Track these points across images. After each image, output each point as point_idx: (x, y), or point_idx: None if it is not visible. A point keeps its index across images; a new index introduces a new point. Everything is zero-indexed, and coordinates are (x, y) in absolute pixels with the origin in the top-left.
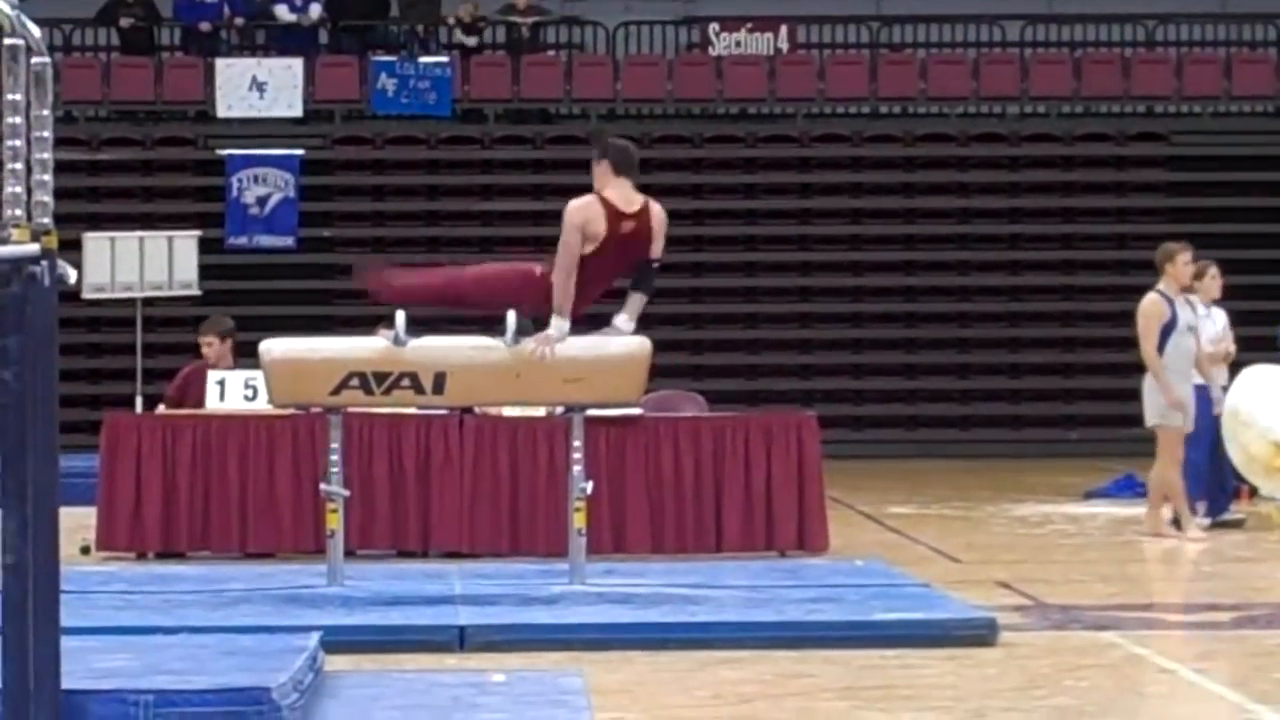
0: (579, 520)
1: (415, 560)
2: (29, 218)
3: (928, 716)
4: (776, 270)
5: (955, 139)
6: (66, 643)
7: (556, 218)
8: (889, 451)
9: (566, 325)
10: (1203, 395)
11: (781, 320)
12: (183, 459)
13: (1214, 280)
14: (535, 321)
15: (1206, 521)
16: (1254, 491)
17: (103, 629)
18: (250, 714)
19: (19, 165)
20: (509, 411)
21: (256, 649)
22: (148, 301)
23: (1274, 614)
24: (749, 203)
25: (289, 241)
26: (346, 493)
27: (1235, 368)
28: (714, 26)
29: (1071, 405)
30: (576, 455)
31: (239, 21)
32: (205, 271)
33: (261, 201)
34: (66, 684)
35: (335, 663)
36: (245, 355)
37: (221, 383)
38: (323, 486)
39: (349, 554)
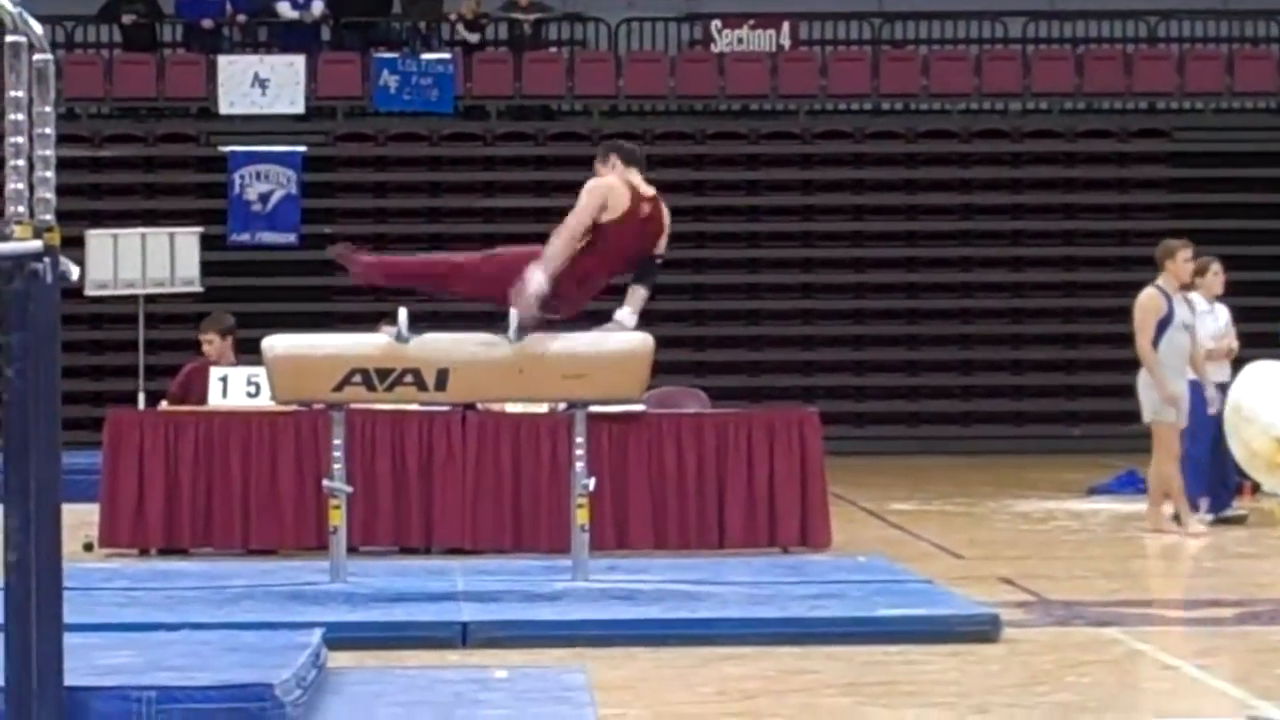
0: (581, 516)
1: (418, 557)
2: (31, 214)
3: (930, 713)
4: (779, 267)
5: (957, 135)
6: (69, 639)
7: (559, 214)
8: (891, 448)
9: (546, 285)
10: (1198, 391)
11: (784, 317)
12: (185, 455)
13: (1216, 277)
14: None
15: (1209, 517)
16: (1256, 487)
17: (105, 626)
18: (253, 710)
19: (21, 162)
20: (511, 408)
21: (259, 645)
22: (150, 298)
23: (1276, 610)
24: (751, 199)
25: (291, 238)
26: (349, 489)
27: (1238, 364)
28: (716, 23)
29: (1074, 401)
30: (579, 451)
31: (241, 18)
32: (207, 268)
33: (264, 198)
34: (69, 681)
35: (338, 659)
36: (247, 352)
37: (224, 379)
38: (325, 483)
39: (351, 550)
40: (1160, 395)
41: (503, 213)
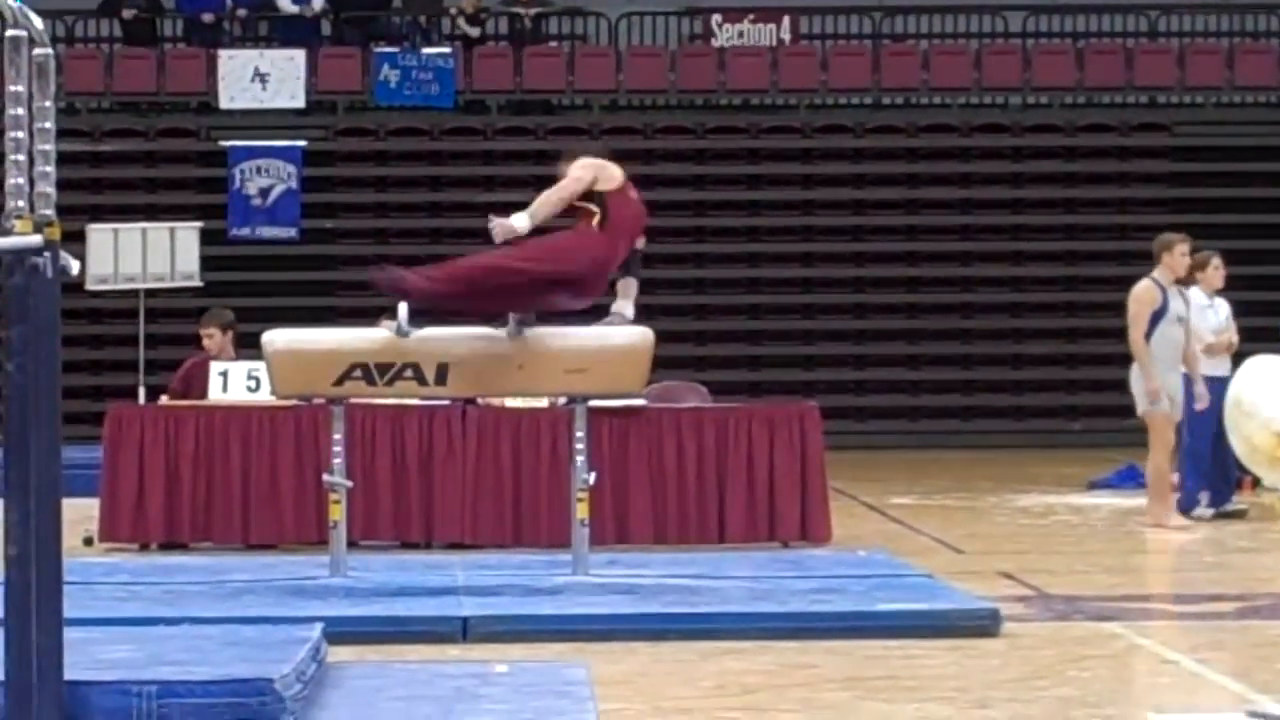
0: (582, 511)
1: (418, 551)
2: (32, 209)
3: (931, 707)
4: (779, 261)
5: (958, 130)
6: (69, 634)
7: None
8: (892, 442)
9: (528, 227)
10: (1207, 384)
11: (784, 311)
12: (185, 450)
13: (1217, 271)
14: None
15: (1209, 512)
16: (1257, 482)
17: (106, 620)
18: (253, 705)
19: (21, 157)
20: (512, 402)
21: (260, 640)
22: (150, 293)
23: (1277, 604)
24: (751, 194)
25: (291, 233)
26: (349, 484)
27: (1238, 358)
28: (716, 17)
29: (1074, 396)
30: (579, 446)
31: (241, 13)
32: (207, 263)
33: (264, 193)
34: (70, 675)
35: (338, 653)
36: (247, 346)
37: (224, 374)
38: (325, 477)
39: (352, 545)
40: (1145, 387)
41: (503, 207)
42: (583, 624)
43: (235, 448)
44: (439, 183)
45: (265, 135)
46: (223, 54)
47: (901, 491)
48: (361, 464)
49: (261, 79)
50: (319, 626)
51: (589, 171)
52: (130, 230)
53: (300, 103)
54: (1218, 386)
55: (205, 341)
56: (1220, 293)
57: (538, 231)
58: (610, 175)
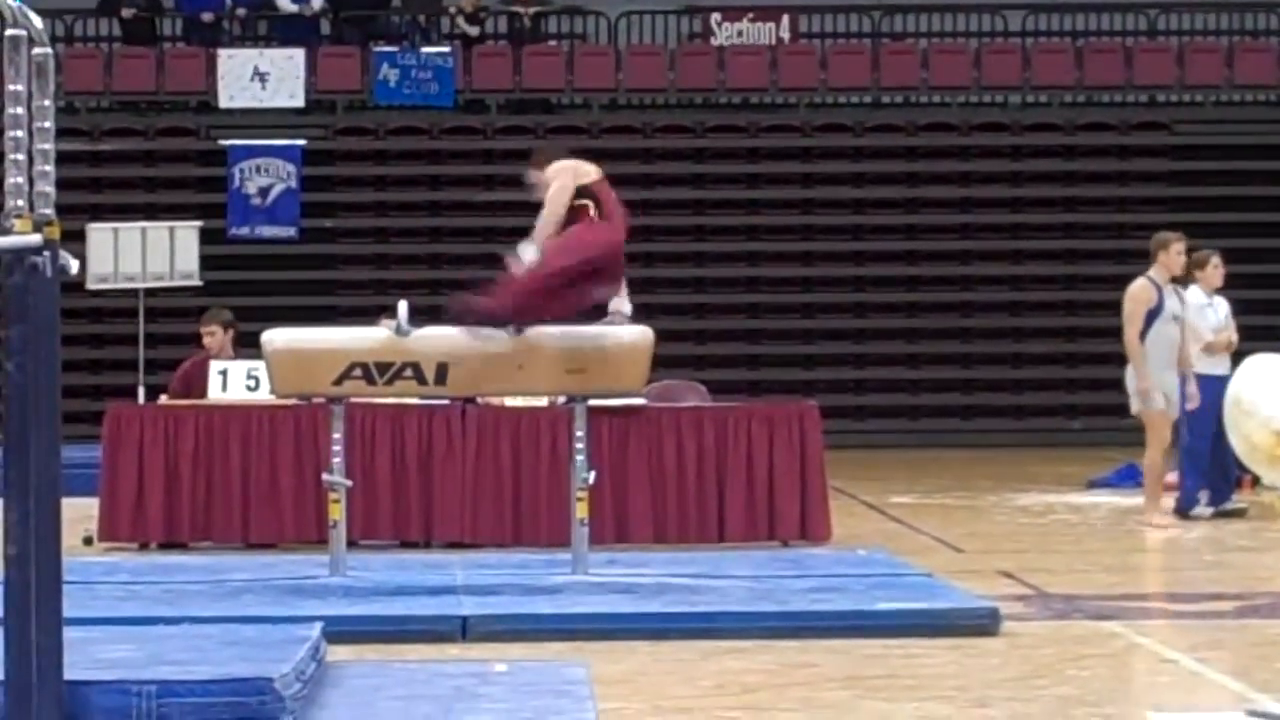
0: (581, 510)
1: (418, 551)
2: (31, 208)
3: (930, 706)
4: (778, 260)
5: (957, 128)
6: (69, 633)
7: None
8: (891, 441)
9: (536, 256)
10: (1206, 383)
11: (784, 310)
12: (185, 449)
13: (1216, 269)
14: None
15: (1209, 510)
16: (1256, 481)
17: (105, 619)
18: (253, 704)
19: (21, 156)
20: (511, 402)
21: (259, 639)
22: (150, 292)
23: (1276, 603)
24: (751, 192)
25: (291, 232)
26: (349, 483)
27: (1238, 357)
28: (716, 16)
29: (1074, 394)
30: (579, 445)
31: (241, 12)
32: (207, 262)
33: (263, 192)
34: (69, 674)
35: (338, 653)
36: (247, 346)
37: (224, 373)
38: (325, 477)
39: (351, 544)
40: (1136, 386)
41: (503, 206)
42: (582, 623)
43: (235, 447)
44: (438, 182)
45: (265, 134)
46: (222, 53)
47: (901, 490)
48: (361, 463)
49: (261, 78)
50: (318, 626)
51: (568, 176)
52: (130, 229)
53: (300, 102)
54: (1217, 385)
55: (206, 339)
56: (1219, 291)
57: None
58: (585, 170)
